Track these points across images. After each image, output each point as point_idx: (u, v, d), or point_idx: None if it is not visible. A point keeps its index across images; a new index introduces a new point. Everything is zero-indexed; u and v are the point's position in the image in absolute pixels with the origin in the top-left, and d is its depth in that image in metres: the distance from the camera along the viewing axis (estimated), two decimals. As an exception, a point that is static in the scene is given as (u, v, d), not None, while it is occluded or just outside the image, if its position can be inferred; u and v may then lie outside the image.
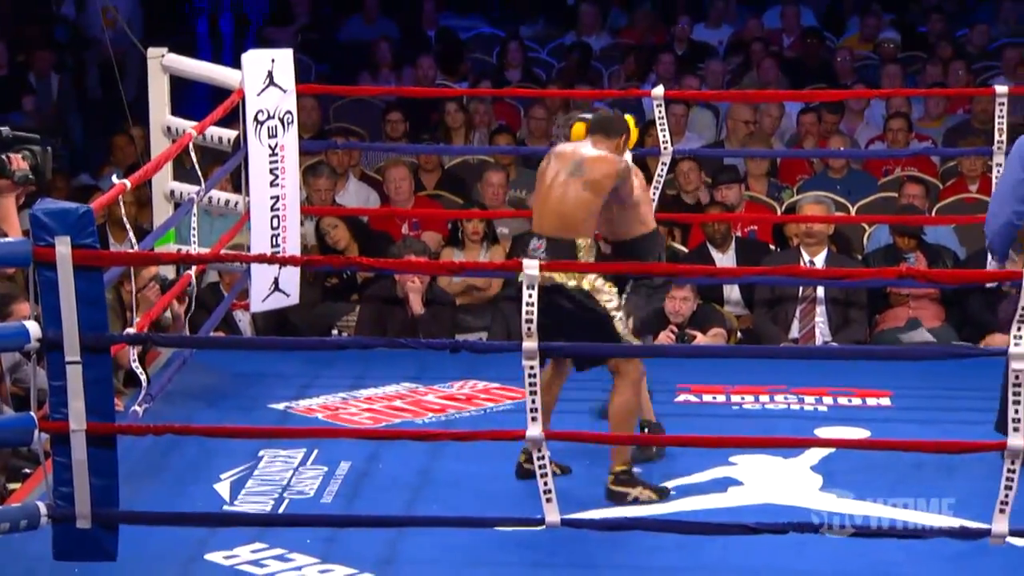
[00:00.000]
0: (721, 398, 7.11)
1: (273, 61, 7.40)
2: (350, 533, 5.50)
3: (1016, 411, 4.86)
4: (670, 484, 6.04)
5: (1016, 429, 4.86)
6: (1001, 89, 7.47)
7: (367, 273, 8.18)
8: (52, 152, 5.69)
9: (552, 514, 5.17)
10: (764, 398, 7.06)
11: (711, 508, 5.82)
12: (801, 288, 7.89)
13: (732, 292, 8.27)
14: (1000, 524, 4.95)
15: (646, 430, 6.27)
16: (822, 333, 7.90)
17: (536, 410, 5.09)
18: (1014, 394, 4.85)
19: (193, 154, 7.17)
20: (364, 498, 5.98)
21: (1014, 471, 4.89)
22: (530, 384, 5.07)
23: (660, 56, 11.56)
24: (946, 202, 9.05)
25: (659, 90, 7.69)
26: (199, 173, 7.17)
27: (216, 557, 5.43)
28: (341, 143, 9.42)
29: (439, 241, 8.81)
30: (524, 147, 9.81)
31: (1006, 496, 4.91)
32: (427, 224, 9.00)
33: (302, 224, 7.83)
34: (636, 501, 5.76)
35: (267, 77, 7.37)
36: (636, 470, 5.84)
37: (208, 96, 9.37)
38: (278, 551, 5.46)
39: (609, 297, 5.81)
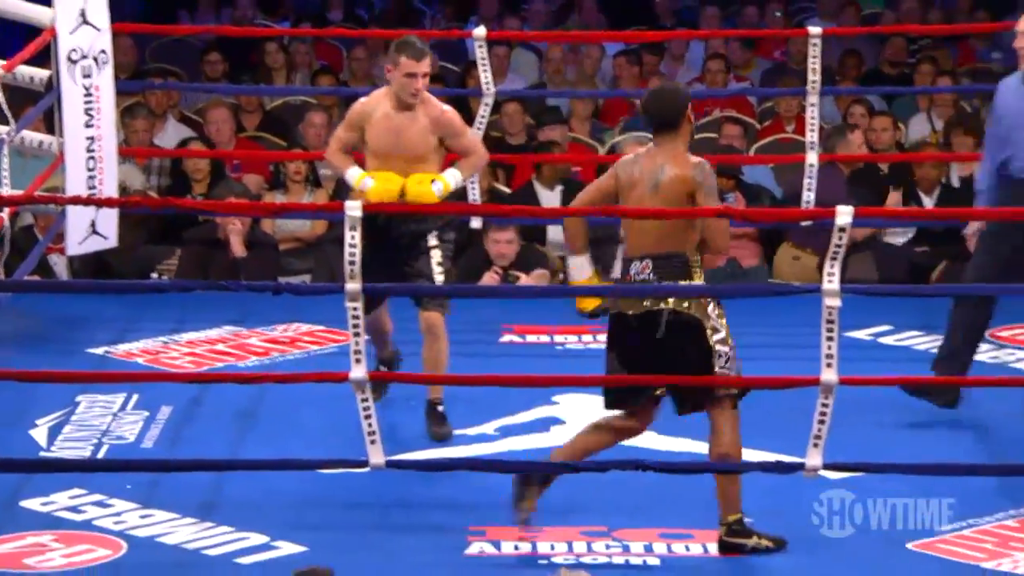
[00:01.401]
0: (545, 338, 7.16)
1: (86, -1, 7.23)
2: (172, 478, 5.44)
3: (829, 347, 4.96)
4: (495, 424, 6.08)
5: (829, 365, 4.97)
6: (814, 30, 7.59)
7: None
8: None
9: (376, 456, 5.17)
10: (587, 337, 7.12)
11: (534, 448, 5.87)
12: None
13: (555, 233, 8.31)
14: (814, 458, 5.06)
15: (382, 367, 6.20)
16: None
17: (360, 352, 5.07)
18: (827, 330, 4.95)
19: (1, 94, 6.98)
20: (186, 443, 5.92)
21: (828, 405, 5.00)
22: (353, 326, 5.05)
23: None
24: (763, 142, 9.19)
25: (480, 31, 7.67)
26: (7, 114, 6.97)
27: (32, 504, 5.33)
28: (159, 83, 9.24)
29: (261, 183, 8.71)
30: (346, 88, 9.73)
31: (819, 430, 5.02)
32: (248, 166, 8.89)
33: (121, 165, 7.68)
34: (754, 551, 5.10)
35: (80, 15, 7.19)
36: (747, 520, 5.16)
37: (19, 34, 9.11)
38: (97, 497, 5.38)
39: (720, 330, 5.12)
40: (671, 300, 5.05)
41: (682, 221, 5.07)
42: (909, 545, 5.08)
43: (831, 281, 4.93)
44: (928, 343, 7.00)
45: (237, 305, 7.32)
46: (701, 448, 5.79)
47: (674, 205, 5.07)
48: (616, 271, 7.99)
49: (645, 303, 5.07)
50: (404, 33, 9.25)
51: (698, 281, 5.12)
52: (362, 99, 6.04)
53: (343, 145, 6.03)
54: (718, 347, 5.08)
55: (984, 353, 6.74)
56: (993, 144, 6.16)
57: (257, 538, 5.16)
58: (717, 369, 5.07)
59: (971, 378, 5.90)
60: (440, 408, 5.95)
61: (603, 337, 7.06)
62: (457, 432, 6.01)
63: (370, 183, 5.83)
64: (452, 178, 5.92)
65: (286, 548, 5.10)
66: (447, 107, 6.01)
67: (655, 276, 5.07)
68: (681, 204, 5.08)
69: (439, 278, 5.90)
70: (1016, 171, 5.99)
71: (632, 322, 5.09)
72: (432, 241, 5.91)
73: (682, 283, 5.06)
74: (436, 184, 5.85)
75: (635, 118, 9.57)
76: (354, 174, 5.92)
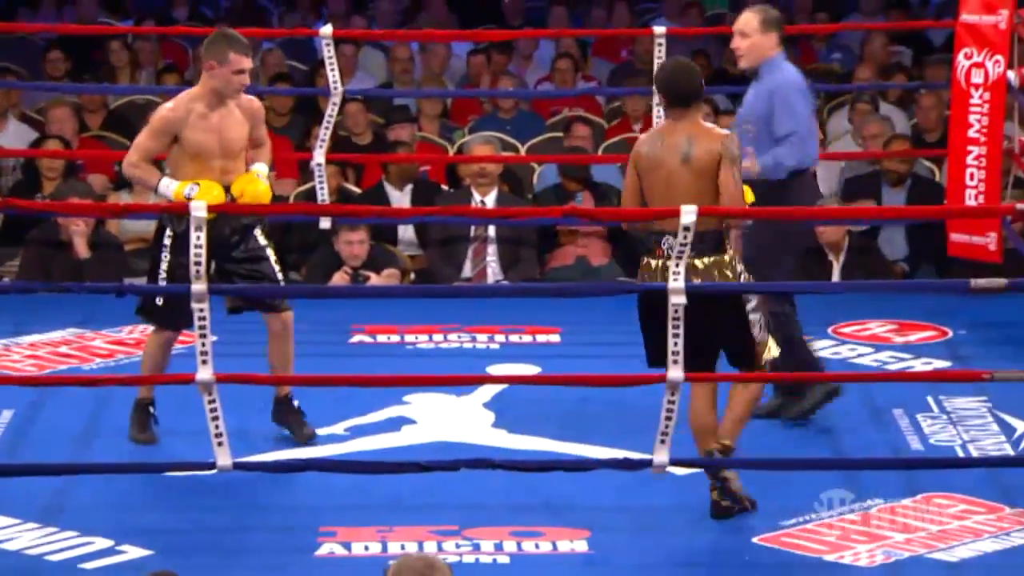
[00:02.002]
0: (395, 338, 7.15)
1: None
2: (13, 483, 5.34)
3: (675, 344, 5.02)
4: (345, 424, 6.06)
5: (675, 362, 5.02)
6: (659, 30, 7.68)
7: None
8: None
9: (224, 458, 5.12)
10: (438, 337, 7.13)
11: (385, 448, 5.86)
12: (473, 228, 7.97)
13: (406, 232, 8.31)
14: (661, 455, 5.11)
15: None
16: (493, 272, 8.01)
17: (207, 353, 5.02)
18: (673, 328, 5.01)
19: None
20: (29, 447, 5.82)
21: (674, 402, 5.06)
22: (200, 327, 5.00)
23: (331, -6, 11.50)
24: (611, 141, 9.27)
25: (327, 29, 7.63)
26: None
27: None
28: (-1, 82, 9.07)
29: (105, 183, 8.58)
30: (192, 86, 9.60)
31: (666, 427, 5.08)
32: (92, 166, 8.76)
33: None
34: (726, 484, 5.24)
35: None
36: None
37: None
38: (-66, 505, 5.27)
39: (751, 299, 5.24)
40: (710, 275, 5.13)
41: (713, 194, 5.11)
42: (755, 539, 5.16)
43: (676, 279, 4.99)
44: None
45: (81, 307, 7.21)
46: (551, 447, 5.84)
47: (706, 176, 5.12)
48: (467, 270, 8.02)
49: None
50: (253, 31, 9.23)
51: (732, 253, 5.22)
52: (166, 106, 5.74)
53: (148, 155, 5.70)
54: (751, 316, 5.22)
55: (826, 349, 6.87)
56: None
57: (102, 542, 5.08)
58: (755, 334, 5.21)
59: (807, 374, 5.99)
60: (296, 403, 5.89)
61: (453, 336, 7.12)
62: (306, 433, 5.98)
63: (196, 190, 5.56)
64: (264, 172, 5.83)
65: (132, 552, 5.03)
66: (251, 96, 5.90)
67: (693, 252, 5.04)
68: (713, 175, 5.12)
69: (281, 277, 5.84)
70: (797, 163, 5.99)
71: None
72: (262, 240, 5.80)
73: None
74: (265, 180, 5.77)
75: (485, 117, 9.60)
76: (169, 184, 5.61)
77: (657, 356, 5.17)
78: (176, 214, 5.56)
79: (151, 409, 5.83)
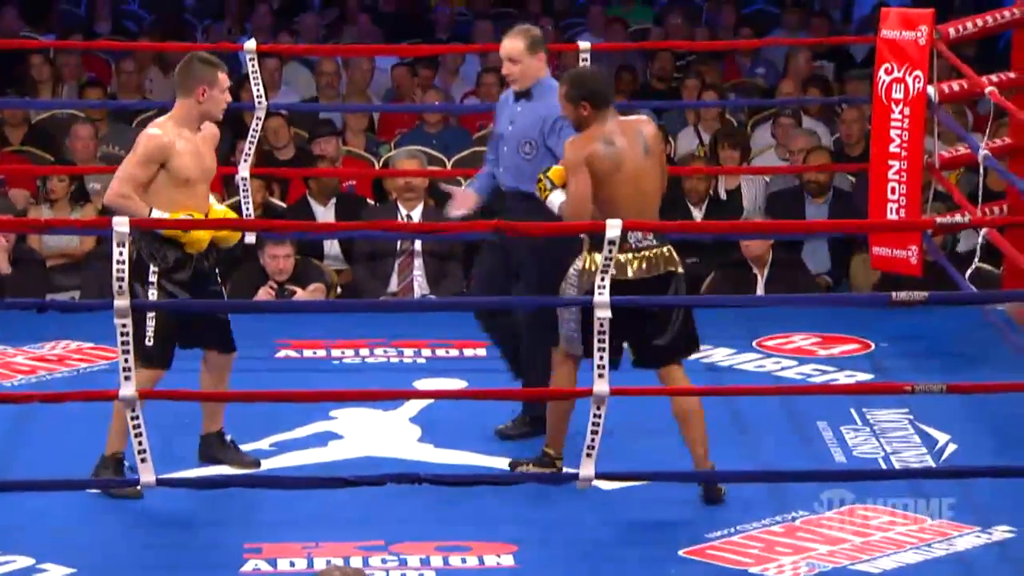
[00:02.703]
0: (322, 352, 7.12)
1: None
2: (-68, 503, 5.28)
3: (601, 357, 5.04)
4: (271, 440, 6.02)
5: (601, 376, 5.04)
6: (584, 45, 7.71)
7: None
8: None
9: (147, 474, 5.09)
10: (364, 351, 7.11)
11: (311, 463, 5.83)
12: (399, 242, 7.96)
13: (332, 247, 8.28)
14: (587, 468, 5.13)
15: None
16: (420, 286, 8.00)
17: (129, 369, 4.98)
18: (599, 341, 5.03)
19: None
20: (-51, 466, 5.74)
21: (599, 416, 5.08)
22: (123, 343, 4.97)
23: (256, 8, 11.46)
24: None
25: (251, 44, 7.60)
26: None
27: None
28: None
29: (27, 198, 8.50)
30: (115, 101, 9.56)
31: (592, 440, 5.09)
32: (13, 181, 8.67)
33: None
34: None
35: None
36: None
37: None
38: None
39: None
40: (678, 265, 5.41)
41: (664, 176, 5.49)
42: (680, 552, 5.18)
43: (601, 293, 5.01)
44: (697, 353, 7.14)
45: (2, 323, 7.13)
46: (477, 460, 5.84)
47: (659, 161, 5.45)
48: (393, 284, 8.00)
49: (653, 270, 5.34)
50: (176, 46, 9.19)
51: None
52: (154, 132, 5.47)
53: (139, 185, 5.43)
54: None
55: (750, 362, 6.92)
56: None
57: (23, 561, 5.03)
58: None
59: (733, 387, 6.03)
60: (228, 436, 5.83)
61: (379, 351, 7.10)
62: (231, 449, 5.94)
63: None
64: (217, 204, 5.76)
65: (53, 571, 4.98)
66: None
67: (657, 241, 5.34)
68: (663, 157, 5.54)
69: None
70: (503, 182, 6.03)
71: (639, 288, 5.31)
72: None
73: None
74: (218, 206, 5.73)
75: (411, 131, 9.59)
76: (163, 217, 5.44)
77: (641, 356, 5.39)
78: (168, 246, 5.43)
79: (124, 463, 5.56)
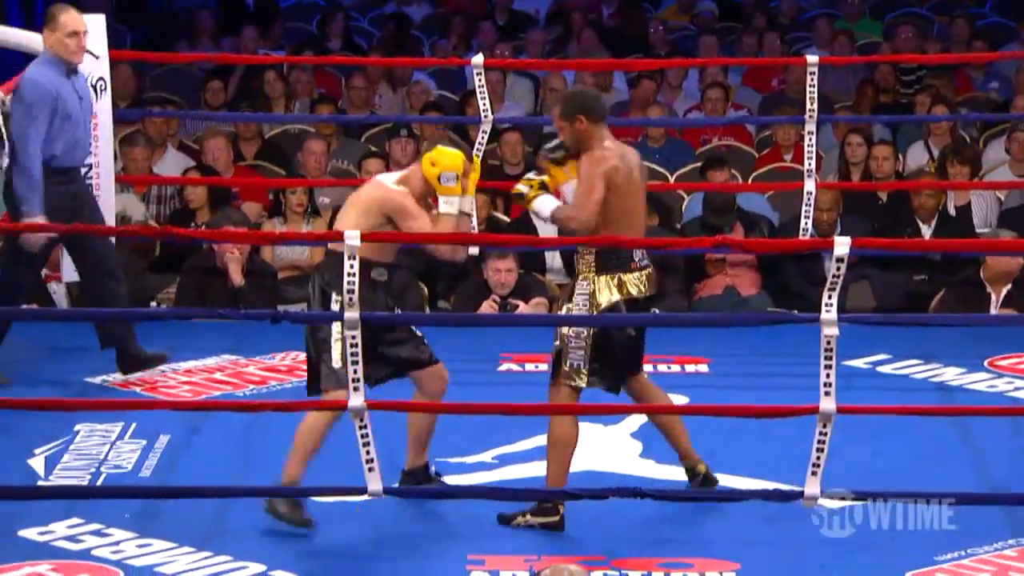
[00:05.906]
0: (544, 367, 7.14)
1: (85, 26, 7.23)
2: (170, 507, 5.44)
3: (828, 375, 4.97)
4: (493, 452, 6.07)
5: (827, 393, 4.97)
6: (812, 59, 7.62)
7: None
8: None
9: (375, 483, 5.16)
10: (585, 366, 7.10)
11: (532, 476, 5.86)
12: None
13: (554, 260, 8.32)
14: (812, 486, 5.06)
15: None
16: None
17: (358, 380, 5.07)
18: (825, 359, 4.96)
19: (1, 119, 6.98)
20: (184, 472, 5.91)
21: (825, 434, 5.01)
22: (352, 354, 5.05)
23: (480, 25, 11.58)
24: (761, 171, 9.21)
25: (478, 58, 7.69)
26: (4, 136, 6.97)
27: (30, 533, 5.32)
28: (157, 111, 9.25)
29: (260, 212, 8.72)
30: (345, 115, 9.75)
31: (818, 459, 5.03)
32: (247, 194, 8.91)
33: (120, 194, 7.68)
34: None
35: (79, 43, 7.19)
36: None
37: (22, 63, 9.14)
38: (95, 526, 5.37)
39: None
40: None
41: None
42: (908, 574, 5.07)
43: (828, 310, 4.94)
44: (927, 372, 7.01)
45: (235, 334, 7.32)
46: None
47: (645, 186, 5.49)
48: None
49: (651, 288, 5.41)
50: (405, 61, 9.32)
51: None
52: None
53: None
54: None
55: (982, 382, 6.75)
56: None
57: (255, 567, 5.15)
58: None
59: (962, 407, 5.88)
60: (433, 468, 5.73)
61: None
62: (456, 460, 6.00)
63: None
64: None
65: (284, 577, 5.10)
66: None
67: (647, 263, 5.40)
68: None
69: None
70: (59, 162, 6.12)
71: (643, 306, 5.39)
72: None
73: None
74: None
75: (635, 145, 9.56)
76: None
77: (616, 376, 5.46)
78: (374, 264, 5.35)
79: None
